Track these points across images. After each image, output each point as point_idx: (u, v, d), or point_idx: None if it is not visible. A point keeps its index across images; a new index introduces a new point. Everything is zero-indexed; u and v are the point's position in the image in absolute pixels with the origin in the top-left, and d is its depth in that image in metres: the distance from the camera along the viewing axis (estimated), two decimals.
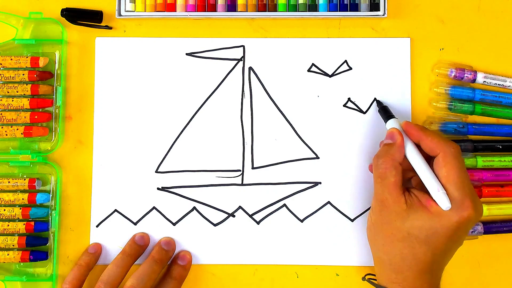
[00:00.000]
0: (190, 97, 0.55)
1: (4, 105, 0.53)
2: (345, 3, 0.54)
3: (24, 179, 0.53)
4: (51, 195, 0.53)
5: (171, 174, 0.54)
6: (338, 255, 0.53)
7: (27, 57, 0.53)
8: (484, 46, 0.55)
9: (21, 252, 0.52)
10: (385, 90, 0.54)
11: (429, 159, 0.47)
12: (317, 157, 0.54)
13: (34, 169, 0.54)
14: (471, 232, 0.53)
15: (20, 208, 0.52)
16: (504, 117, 0.54)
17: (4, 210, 0.52)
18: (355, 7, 0.54)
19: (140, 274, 0.49)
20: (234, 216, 0.54)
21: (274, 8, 0.54)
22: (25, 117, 0.53)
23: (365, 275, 0.51)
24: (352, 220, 0.54)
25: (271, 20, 0.55)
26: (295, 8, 0.54)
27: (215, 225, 0.54)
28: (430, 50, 0.55)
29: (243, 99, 0.55)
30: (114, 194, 0.54)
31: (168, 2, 0.55)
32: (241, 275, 0.53)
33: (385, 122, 0.51)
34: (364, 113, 0.54)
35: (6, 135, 0.53)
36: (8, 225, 0.52)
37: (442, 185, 0.44)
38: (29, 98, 0.53)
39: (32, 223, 0.52)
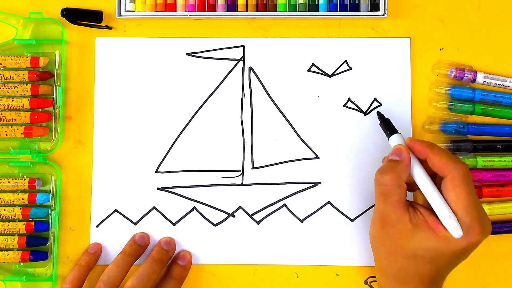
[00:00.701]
0: (190, 97, 0.55)
1: (4, 105, 0.53)
2: (345, 3, 0.54)
3: (24, 179, 0.53)
4: (51, 195, 0.53)
5: (171, 174, 0.54)
6: (338, 255, 0.53)
7: (27, 57, 0.53)
8: (484, 46, 0.55)
9: (21, 252, 0.52)
10: (385, 90, 0.54)
11: (434, 176, 0.46)
12: (317, 157, 0.54)
13: (34, 169, 0.54)
14: None
15: (20, 208, 0.52)
16: (504, 117, 0.54)
17: (4, 210, 0.52)
18: (355, 7, 0.54)
19: (140, 274, 0.49)
20: (234, 216, 0.54)
21: (274, 8, 0.54)
22: (25, 117, 0.53)
23: (367, 279, 0.51)
24: (352, 220, 0.54)
25: (271, 20, 0.55)
26: (295, 8, 0.54)
27: (215, 225, 0.54)
28: (430, 50, 0.55)
29: (243, 99, 0.55)
30: (114, 194, 0.54)
31: (168, 2, 0.55)
32: (241, 275, 0.53)
33: (388, 136, 0.49)
34: (364, 113, 0.54)
35: (6, 135, 0.53)
36: (8, 225, 0.52)
37: (451, 209, 0.43)
38: (29, 98, 0.53)
39: (32, 223, 0.52)
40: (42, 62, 0.54)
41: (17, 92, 0.53)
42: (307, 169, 0.54)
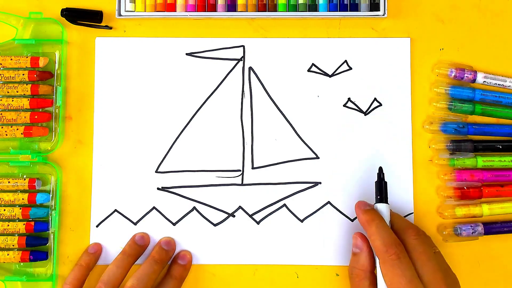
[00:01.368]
0: (190, 97, 0.55)
1: (4, 105, 0.53)
2: (345, 3, 0.54)
3: (24, 179, 0.53)
4: (51, 195, 0.53)
5: (171, 174, 0.54)
6: (338, 255, 0.53)
7: (27, 57, 0.53)
8: (484, 46, 0.55)
9: (21, 252, 0.52)
10: (385, 90, 0.54)
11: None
12: (317, 157, 0.54)
13: (34, 169, 0.54)
14: (472, 233, 0.53)
15: (20, 208, 0.52)
16: (504, 117, 0.54)
17: (4, 210, 0.52)
18: (355, 7, 0.54)
19: (140, 274, 0.49)
20: (234, 216, 0.54)
21: (274, 8, 0.54)
22: (25, 117, 0.53)
23: None
24: (352, 220, 0.54)
25: (271, 20, 0.55)
26: (295, 8, 0.54)
27: (215, 225, 0.54)
28: (430, 50, 0.55)
29: (243, 99, 0.55)
30: (114, 194, 0.54)
31: (168, 2, 0.55)
32: (241, 275, 0.53)
33: (375, 200, 0.49)
34: (364, 113, 0.54)
35: (6, 135, 0.53)
36: (8, 225, 0.52)
37: None
38: (29, 98, 0.53)
39: (32, 223, 0.52)
40: (42, 62, 0.54)
41: (17, 92, 0.53)
42: (307, 169, 0.54)
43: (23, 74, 0.53)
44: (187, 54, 0.55)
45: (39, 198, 0.53)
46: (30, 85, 0.53)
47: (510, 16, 0.55)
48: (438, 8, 0.55)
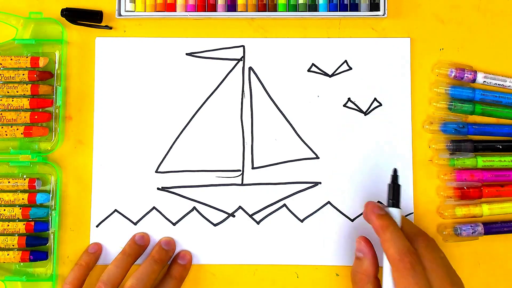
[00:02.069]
0: (190, 97, 0.55)
1: (4, 105, 0.53)
2: (345, 3, 0.54)
3: (24, 179, 0.53)
4: (51, 195, 0.53)
5: (171, 174, 0.54)
6: (338, 255, 0.53)
7: (27, 57, 0.53)
8: (484, 46, 0.55)
9: (21, 252, 0.52)
10: (385, 90, 0.54)
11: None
12: (317, 157, 0.54)
13: (34, 169, 0.54)
14: (472, 233, 0.53)
15: (20, 208, 0.52)
16: (504, 117, 0.54)
17: (4, 210, 0.52)
18: (355, 7, 0.54)
19: (140, 274, 0.49)
20: (234, 216, 0.54)
21: (274, 8, 0.54)
22: (25, 117, 0.53)
23: None
24: (352, 220, 0.54)
25: (271, 20, 0.55)
26: (295, 8, 0.54)
27: (215, 225, 0.54)
28: (430, 50, 0.55)
29: (243, 99, 0.55)
30: (114, 194, 0.54)
31: (168, 2, 0.55)
32: (241, 275, 0.53)
33: (387, 204, 0.48)
34: (364, 113, 0.54)
35: (6, 135, 0.53)
36: (8, 225, 0.52)
37: None
38: (29, 98, 0.53)
39: (32, 223, 0.52)
40: (42, 62, 0.54)
41: (17, 92, 0.53)
42: (307, 169, 0.54)
43: (23, 74, 0.53)
44: (187, 54, 0.55)
45: (39, 198, 0.53)
46: (30, 85, 0.53)
47: (510, 16, 0.55)
48: (438, 8, 0.55)
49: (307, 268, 0.53)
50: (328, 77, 0.55)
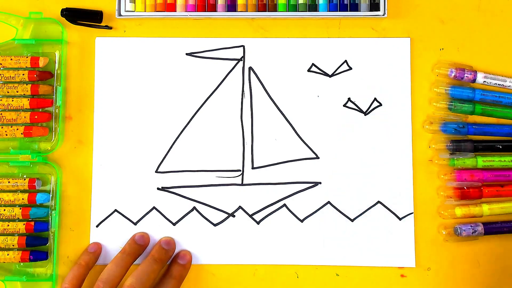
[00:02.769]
0: (190, 97, 0.55)
1: (4, 105, 0.53)
2: (345, 3, 0.54)
3: (24, 179, 0.53)
4: (51, 195, 0.53)
5: (171, 174, 0.54)
6: (338, 255, 0.53)
7: (27, 57, 0.53)
8: (484, 46, 0.55)
9: (21, 252, 0.52)
10: (385, 90, 0.54)
11: None
12: (317, 157, 0.54)
13: (34, 169, 0.54)
14: (472, 233, 0.52)
15: (20, 208, 0.52)
16: (504, 117, 0.54)
17: (4, 210, 0.52)
18: (355, 7, 0.54)
19: (140, 273, 0.49)
20: (234, 216, 0.54)
21: (274, 8, 0.54)
22: (25, 117, 0.53)
23: None
24: (352, 220, 0.54)
25: (271, 20, 0.55)
26: (295, 8, 0.54)
27: (215, 225, 0.54)
28: (430, 50, 0.55)
29: (243, 99, 0.55)
30: (114, 194, 0.54)
31: (168, 2, 0.55)
32: (241, 275, 0.53)
33: None
34: (364, 113, 0.54)
35: (6, 135, 0.53)
36: (8, 225, 0.52)
37: None
38: (29, 98, 0.53)
39: (32, 223, 0.52)
40: (42, 62, 0.54)
41: (17, 92, 0.53)
42: (307, 169, 0.54)
43: (23, 74, 0.53)
44: (187, 54, 0.55)
45: (39, 198, 0.53)
46: (30, 85, 0.53)
47: (510, 16, 0.55)
48: (438, 8, 0.55)
49: (307, 268, 0.53)
50: (328, 77, 0.55)
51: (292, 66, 0.55)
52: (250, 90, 0.55)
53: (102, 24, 0.55)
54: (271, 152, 0.54)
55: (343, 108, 0.55)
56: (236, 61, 0.55)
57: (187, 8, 0.55)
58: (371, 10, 0.54)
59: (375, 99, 0.54)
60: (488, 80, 0.54)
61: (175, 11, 0.54)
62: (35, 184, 0.53)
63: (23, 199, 0.52)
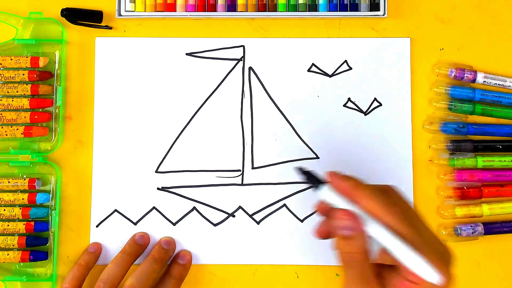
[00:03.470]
0: (190, 97, 0.55)
1: (4, 105, 0.53)
2: (345, 3, 0.54)
3: (24, 179, 0.53)
4: (51, 195, 0.53)
5: (171, 174, 0.54)
6: None
7: (27, 57, 0.53)
8: (484, 46, 0.55)
9: (21, 252, 0.52)
10: (385, 90, 0.54)
11: None
12: (317, 157, 0.54)
13: (34, 169, 0.54)
14: (472, 233, 0.53)
15: (20, 208, 0.52)
16: (504, 117, 0.54)
17: (4, 210, 0.52)
18: (355, 7, 0.54)
19: (140, 273, 0.49)
20: (234, 216, 0.54)
21: (274, 8, 0.54)
22: (25, 117, 0.53)
23: None
24: None
25: (271, 20, 0.55)
26: (295, 8, 0.54)
27: (215, 225, 0.54)
28: (430, 50, 0.55)
29: (243, 99, 0.55)
30: (114, 194, 0.54)
31: (168, 2, 0.55)
32: (241, 275, 0.53)
33: (316, 188, 0.41)
34: (364, 113, 0.54)
35: (6, 135, 0.53)
36: (8, 225, 0.52)
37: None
38: (29, 98, 0.53)
39: (32, 223, 0.52)
40: (42, 62, 0.54)
41: (17, 92, 0.53)
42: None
43: (23, 74, 0.53)
44: (187, 54, 0.55)
45: (39, 198, 0.53)
46: (30, 85, 0.53)
47: (510, 16, 0.55)
48: (438, 8, 0.55)
49: (307, 268, 0.53)
50: (328, 77, 0.55)
51: (292, 66, 0.55)
52: (250, 90, 0.55)
53: (102, 24, 0.55)
54: (271, 152, 0.54)
55: (343, 108, 0.55)
56: (236, 61, 0.55)
57: (187, 8, 0.55)
58: (371, 10, 0.54)
59: (375, 99, 0.54)
60: (488, 80, 0.54)
61: (175, 11, 0.54)
62: (35, 184, 0.53)
63: (23, 199, 0.52)
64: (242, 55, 0.55)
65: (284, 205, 0.54)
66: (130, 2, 0.54)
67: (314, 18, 0.55)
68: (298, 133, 0.54)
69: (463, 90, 0.54)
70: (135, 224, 0.54)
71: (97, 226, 0.54)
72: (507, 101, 0.54)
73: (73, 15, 0.55)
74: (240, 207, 0.54)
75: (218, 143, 0.54)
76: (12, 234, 0.52)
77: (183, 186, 0.54)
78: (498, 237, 0.53)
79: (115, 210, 0.54)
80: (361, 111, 0.54)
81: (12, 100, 0.53)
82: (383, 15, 0.54)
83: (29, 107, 0.53)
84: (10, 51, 0.55)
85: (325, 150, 0.54)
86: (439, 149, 0.54)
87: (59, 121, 0.54)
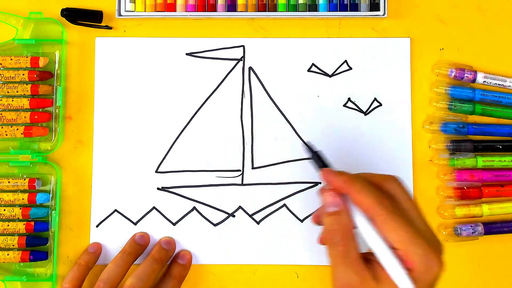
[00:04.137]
0: (190, 97, 0.55)
1: (4, 105, 0.53)
2: (345, 3, 0.54)
3: (24, 179, 0.53)
4: (51, 195, 0.53)
5: (171, 174, 0.54)
6: None
7: (27, 57, 0.53)
8: (484, 46, 0.55)
9: (21, 252, 0.52)
10: (385, 90, 0.54)
11: None
12: None
13: (34, 169, 0.54)
14: (472, 233, 0.53)
15: (20, 208, 0.52)
16: (504, 117, 0.54)
17: (4, 210, 0.52)
18: (355, 7, 0.54)
19: (140, 273, 0.49)
20: (234, 216, 0.54)
21: (274, 8, 0.54)
22: (25, 117, 0.53)
23: None
24: None
25: (271, 20, 0.55)
26: (295, 8, 0.54)
27: (215, 225, 0.54)
28: (430, 50, 0.55)
29: (243, 99, 0.55)
30: (114, 194, 0.54)
31: (168, 2, 0.55)
32: (241, 275, 0.53)
33: (319, 169, 0.43)
34: (364, 113, 0.54)
35: (6, 135, 0.53)
36: (8, 225, 0.52)
37: (398, 248, 0.37)
38: (29, 98, 0.53)
39: (32, 223, 0.52)
40: (42, 62, 0.54)
41: (17, 92, 0.53)
42: (307, 169, 0.54)
43: (23, 74, 0.53)
44: (187, 54, 0.55)
45: (39, 198, 0.53)
46: (30, 85, 0.53)
47: (510, 16, 0.55)
48: (438, 8, 0.55)
49: (307, 268, 0.53)
50: (328, 77, 0.55)
51: (292, 66, 0.55)
52: (250, 90, 0.55)
53: (102, 24, 0.55)
54: (271, 152, 0.54)
55: (343, 108, 0.55)
56: (236, 61, 0.55)
57: (187, 8, 0.55)
58: (371, 10, 0.54)
59: (375, 99, 0.54)
60: (488, 80, 0.54)
61: (175, 11, 0.54)
62: (35, 184, 0.53)
63: (23, 199, 0.52)
64: (242, 55, 0.55)
65: (284, 205, 0.54)
66: (130, 2, 0.54)
67: (314, 18, 0.55)
68: (298, 133, 0.54)
69: (463, 90, 0.54)
70: (135, 224, 0.54)
71: (97, 226, 0.54)
72: (507, 101, 0.54)
73: (73, 15, 0.55)
74: (240, 207, 0.54)
75: (218, 143, 0.54)
76: (12, 234, 0.52)
77: (183, 186, 0.54)
78: (498, 237, 0.53)
79: (115, 210, 0.54)
80: (361, 111, 0.54)
81: (12, 100, 0.53)
82: (383, 15, 0.54)
83: (29, 107, 0.53)
84: (10, 51, 0.55)
85: (325, 150, 0.54)
86: (439, 149, 0.54)
87: (59, 121, 0.54)
